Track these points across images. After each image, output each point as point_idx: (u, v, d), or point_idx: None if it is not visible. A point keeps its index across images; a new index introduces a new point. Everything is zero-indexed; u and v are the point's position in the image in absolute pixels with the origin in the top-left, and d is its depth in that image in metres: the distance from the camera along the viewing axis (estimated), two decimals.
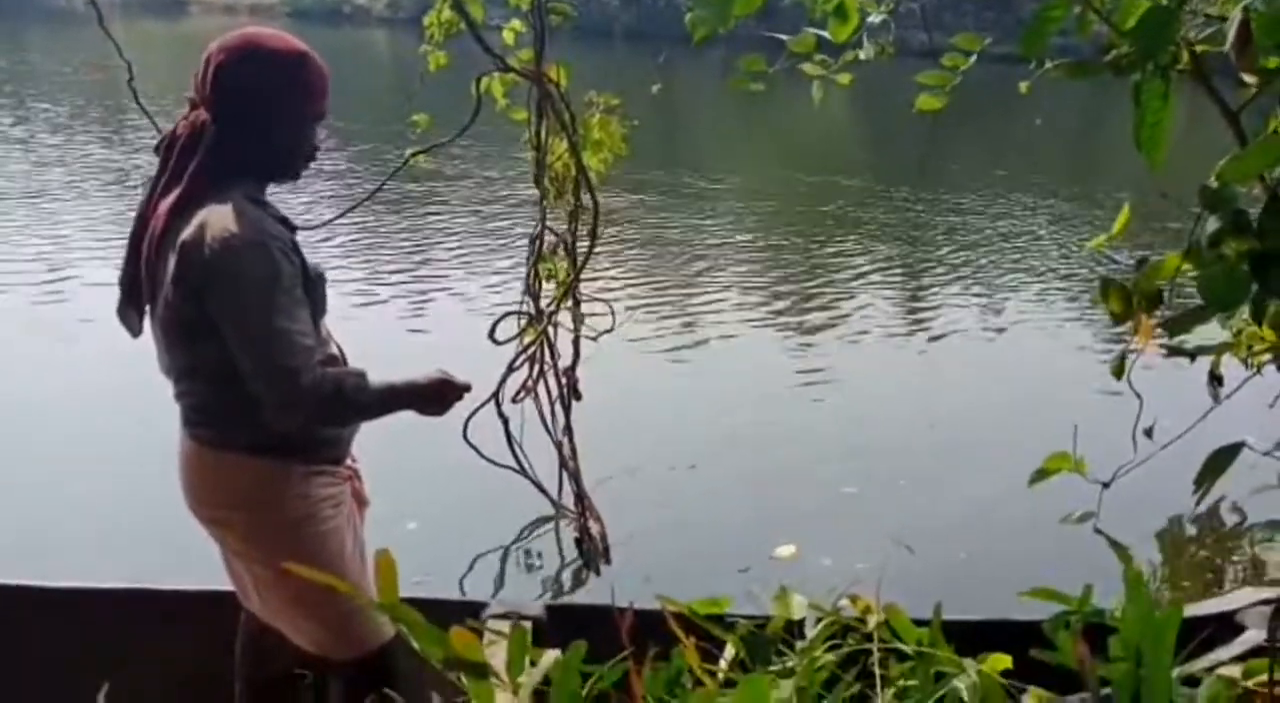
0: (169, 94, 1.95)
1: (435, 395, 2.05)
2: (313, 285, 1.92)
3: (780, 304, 7.63)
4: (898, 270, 8.84)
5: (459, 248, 8.66)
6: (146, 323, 1.98)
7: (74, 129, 13.17)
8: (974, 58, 1.59)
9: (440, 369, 2.07)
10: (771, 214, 11.18)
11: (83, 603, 2.58)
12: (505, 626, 1.27)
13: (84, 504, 3.94)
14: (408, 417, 2.09)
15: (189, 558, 2.33)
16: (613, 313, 3.80)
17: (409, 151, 3.60)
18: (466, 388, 2.08)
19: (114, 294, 1.98)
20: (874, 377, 6.10)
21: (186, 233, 1.82)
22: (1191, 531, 4.31)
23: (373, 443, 2.25)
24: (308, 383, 1.82)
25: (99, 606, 2.57)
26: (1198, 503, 3.77)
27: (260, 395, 1.84)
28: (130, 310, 1.98)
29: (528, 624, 2.30)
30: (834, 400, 5.65)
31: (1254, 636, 2.12)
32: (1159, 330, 1.25)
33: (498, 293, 6.77)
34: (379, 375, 1.98)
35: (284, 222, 1.94)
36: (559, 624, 2.42)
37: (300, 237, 1.96)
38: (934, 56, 1.74)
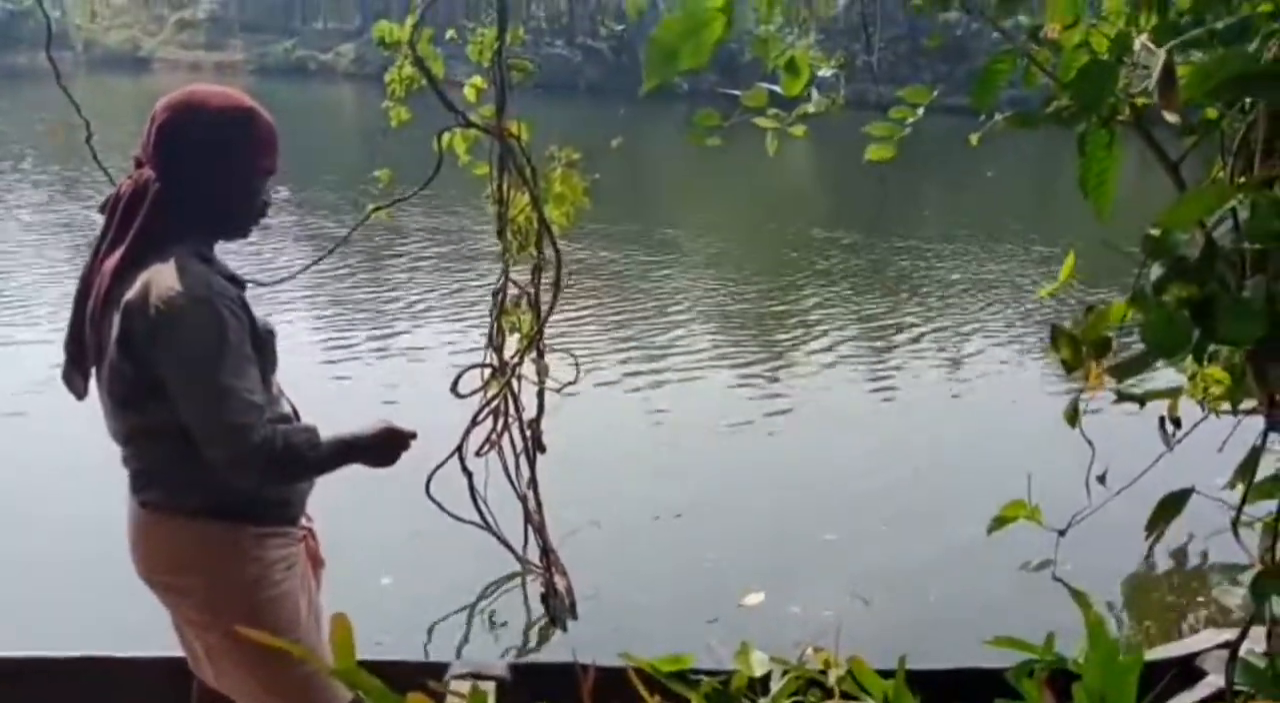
0: (131, 151, 1.94)
1: (383, 446, 2.02)
2: (262, 342, 1.89)
3: (745, 351, 7.67)
4: (860, 316, 8.92)
5: (421, 302, 8.65)
6: (92, 385, 1.95)
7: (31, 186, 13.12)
8: (921, 110, 1.62)
9: (384, 419, 2.03)
10: (735, 263, 11.27)
11: (31, 673, 2.50)
12: (468, 687, 1.25)
13: (27, 569, 3.84)
14: (367, 473, 2.06)
15: (140, 625, 2.26)
16: (577, 365, 3.79)
17: (370, 207, 3.61)
18: (412, 436, 2.04)
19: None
20: (842, 424, 6.12)
21: (131, 292, 1.79)
22: (1156, 573, 4.33)
23: (333, 500, 2.22)
24: (258, 440, 1.79)
25: (48, 675, 2.50)
26: (1150, 548, 3.80)
27: (210, 455, 1.81)
28: (75, 373, 1.94)
29: (489, 686, 2.27)
30: (803, 448, 5.66)
31: (1214, 680, 2.12)
32: (1109, 377, 1.27)
33: (460, 347, 6.76)
34: (328, 430, 1.95)
35: (232, 278, 1.92)
36: (523, 683, 2.38)
37: (263, 292, 1.94)
38: (887, 109, 1.78)
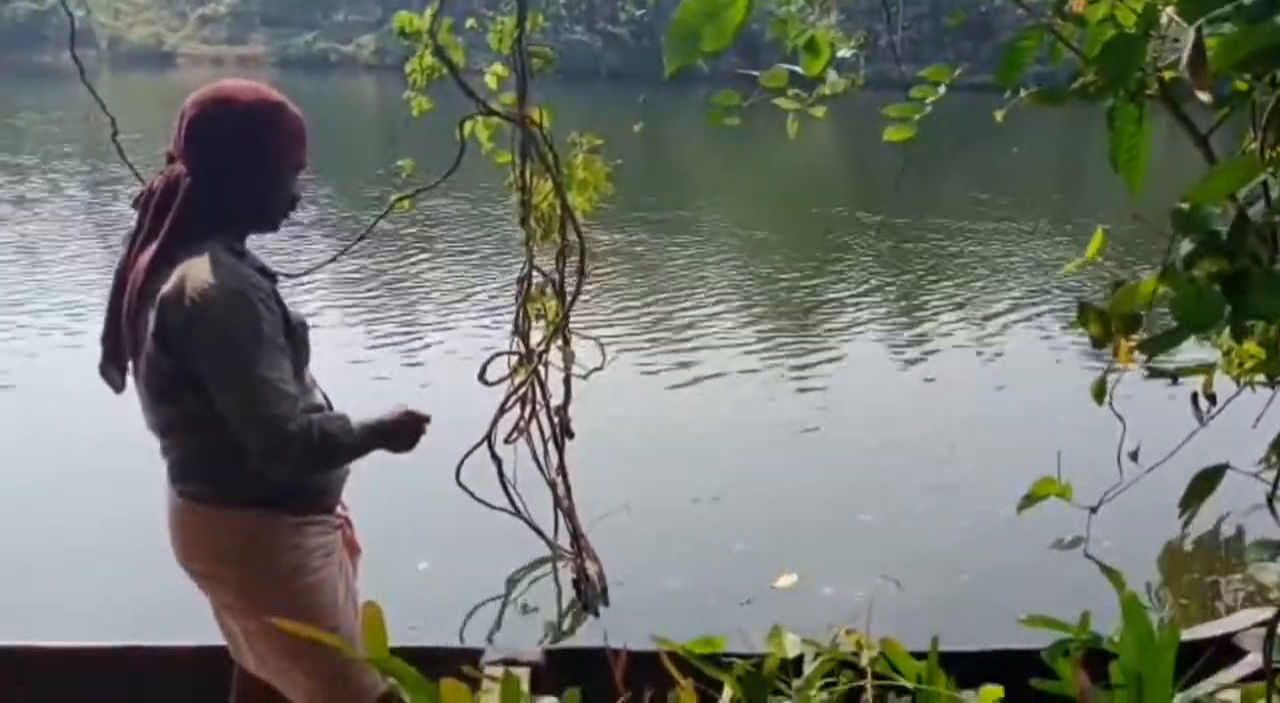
0: (159, 146, 1.96)
1: (403, 431, 2.03)
2: (295, 334, 1.92)
3: (772, 334, 7.65)
4: (888, 296, 8.88)
5: (449, 289, 8.68)
6: (129, 379, 1.98)
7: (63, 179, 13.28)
8: (943, 89, 1.60)
9: (401, 404, 2.05)
10: (761, 245, 11.24)
11: (74, 662, 2.55)
12: (502, 672, 1.26)
13: (71, 559, 3.91)
14: (399, 461, 2.08)
15: (181, 613, 2.30)
16: (603, 350, 3.80)
17: (394, 196, 3.62)
18: (428, 419, 2.06)
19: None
20: (874, 404, 6.09)
21: (166, 286, 1.82)
22: (1191, 551, 4.29)
23: (368, 488, 2.24)
24: (294, 430, 1.81)
25: (91, 664, 2.54)
26: (1184, 526, 3.76)
27: (247, 445, 1.83)
28: (112, 367, 1.97)
29: (523, 671, 2.29)
30: (835, 429, 5.65)
31: (1254, 659, 2.10)
32: (1140, 353, 1.26)
33: (487, 334, 6.78)
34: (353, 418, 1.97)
35: (263, 271, 1.94)
36: (557, 669, 2.40)
37: (289, 284, 1.96)
38: (910, 88, 1.76)
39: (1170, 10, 1.37)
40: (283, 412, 1.81)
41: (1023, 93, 1.53)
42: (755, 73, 1.96)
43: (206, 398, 1.84)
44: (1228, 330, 1.28)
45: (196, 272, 1.81)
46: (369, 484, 2.28)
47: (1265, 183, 1.14)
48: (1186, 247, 1.11)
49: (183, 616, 2.27)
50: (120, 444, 2.65)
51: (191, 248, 1.84)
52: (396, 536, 3.84)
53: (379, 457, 2.03)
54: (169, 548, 2.03)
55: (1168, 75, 1.33)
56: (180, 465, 1.97)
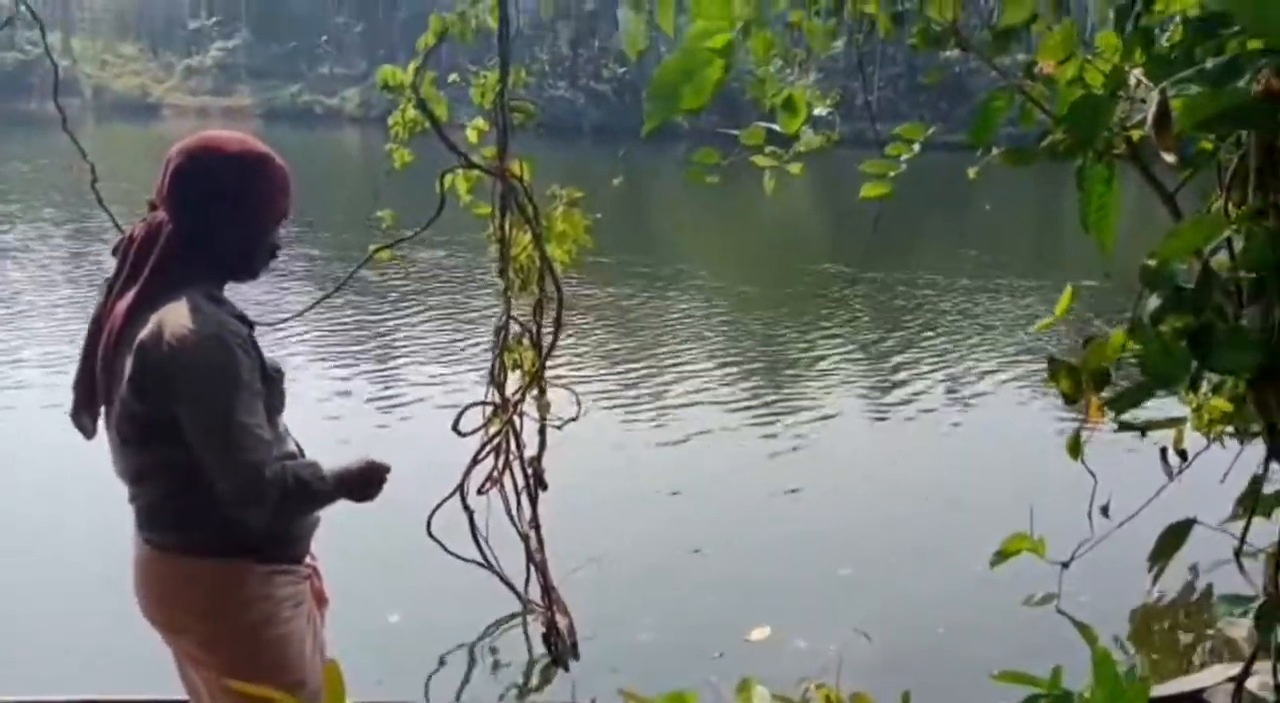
0: (144, 195, 1.97)
1: (367, 481, 2.01)
2: (270, 381, 1.91)
3: (750, 388, 7.66)
4: (864, 351, 8.93)
5: (424, 340, 8.67)
6: (101, 425, 1.95)
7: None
8: (917, 146, 1.64)
9: (364, 455, 2.03)
10: (737, 299, 11.31)
11: None
12: None
13: (33, 610, 3.83)
14: (369, 512, 2.06)
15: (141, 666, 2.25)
16: (578, 401, 3.79)
17: (373, 247, 3.63)
18: (388, 469, 2.04)
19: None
20: (848, 460, 6.10)
21: (144, 332, 1.81)
22: (1162, 605, 4.29)
23: (336, 539, 2.22)
24: (270, 477, 1.80)
25: None
26: (1155, 580, 3.75)
27: (223, 490, 1.82)
28: (84, 413, 1.95)
29: None
30: (810, 483, 5.64)
31: None
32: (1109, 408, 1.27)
33: (460, 385, 6.76)
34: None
35: (241, 318, 1.93)
36: None
37: (267, 331, 1.96)
38: (884, 147, 1.79)
39: (1137, 72, 1.41)
40: (259, 458, 1.79)
41: (994, 151, 1.56)
42: (734, 131, 1.99)
43: (179, 446, 1.82)
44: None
45: (175, 317, 1.80)
46: (339, 535, 2.25)
47: (1230, 240, 1.17)
48: (1154, 302, 1.13)
49: (143, 668, 2.22)
50: (89, 495, 2.61)
51: (170, 294, 1.84)
52: (366, 588, 3.79)
53: (351, 507, 2.01)
54: (133, 598, 1.99)
55: (1135, 135, 1.36)
56: (148, 513, 1.94)
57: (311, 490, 1.89)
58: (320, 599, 2.14)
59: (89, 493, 2.76)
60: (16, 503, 4.81)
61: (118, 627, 2.22)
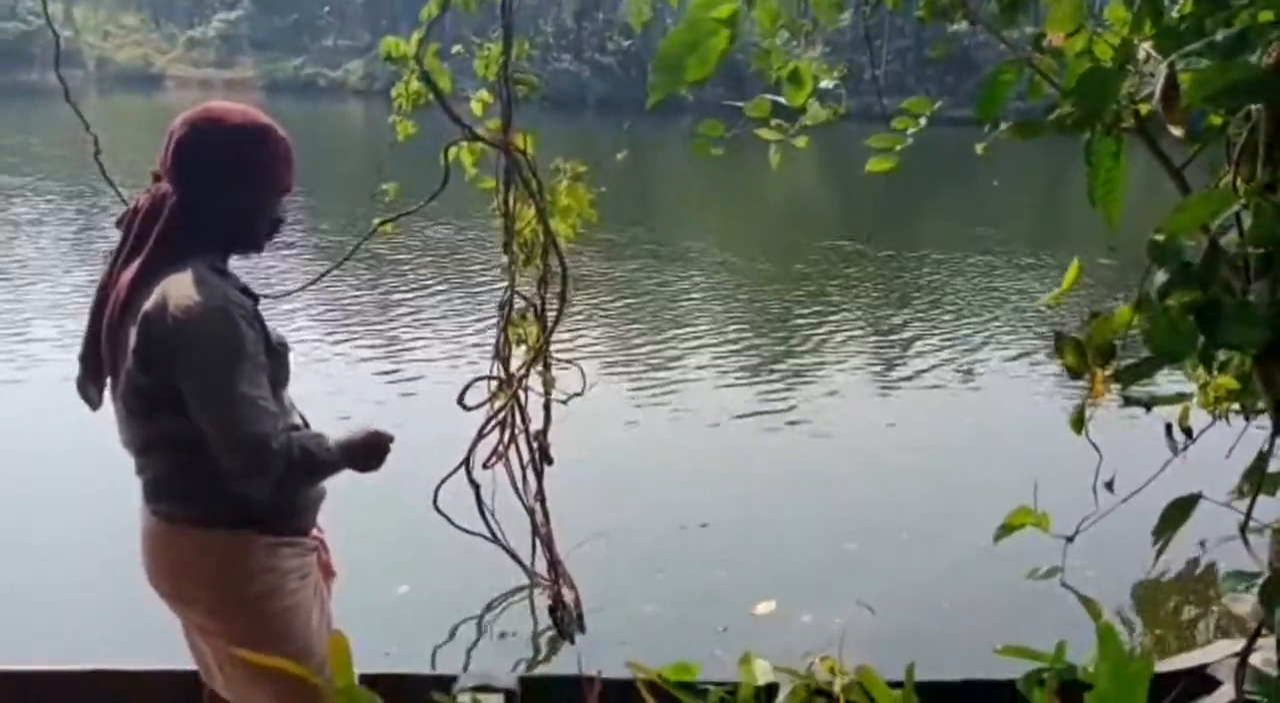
0: (147, 166, 1.97)
1: (371, 451, 2.01)
2: (275, 354, 1.91)
3: (757, 363, 7.66)
4: (872, 325, 8.93)
5: (429, 314, 8.68)
6: (107, 396, 1.96)
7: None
8: (924, 120, 1.62)
9: (367, 424, 2.04)
10: (744, 274, 11.29)
11: (43, 684, 2.51)
12: (476, 699, 1.25)
13: (36, 583, 3.86)
14: (374, 486, 2.07)
15: (150, 636, 2.27)
16: (583, 375, 3.79)
17: (376, 220, 3.62)
18: (391, 439, 2.04)
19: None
20: (856, 434, 6.10)
21: (148, 303, 1.81)
22: (1167, 581, 4.31)
23: (341, 512, 2.23)
24: (276, 448, 1.81)
25: (57, 687, 2.50)
26: (1158, 555, 3.74)
27: (229, 464, 1.82)
28: (90, 385, 1.96)
29: (497, 698, 2.27)
30: (817, 458, 5.65)
31: (1227, 690, 2.10)
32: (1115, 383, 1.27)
33: (468, 359, 6.77)
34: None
35: (245, 291, 1.94)
36: (532, 696, 2.38)
37: (270, 306, 1.96)
38: (890, 121, 1.78)
39: (1146, 45, 1.39)
40: (263, 430, 1.80)
41: (1002, 126, 1.55)
42: (740, 104, 1.98)
43: (184, 417, 1.83)
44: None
45: (179, 288, 1.80)
46: (345, 507, 2.26)
47: (1238, 214, 1.16)
48: (1161, 277, 1.13)
49: (154, 638, 2.24)
50: (97, 468, 2.62)
51: (175, 266, 1.84)
52: (373, 561, 3.81)
53: (357, 481, 2.02)
54: (140, 569, 2.01)
55: (1144, 109, 1.35)
56: (155, 485, 1.95)
57: (317, 461, 1.90)
58: (327, 572, 2.15)
59: (98, 465, 2.77)
60: (27, 476, 4.84)
61: (127, 597, 2.24)
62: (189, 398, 1.82)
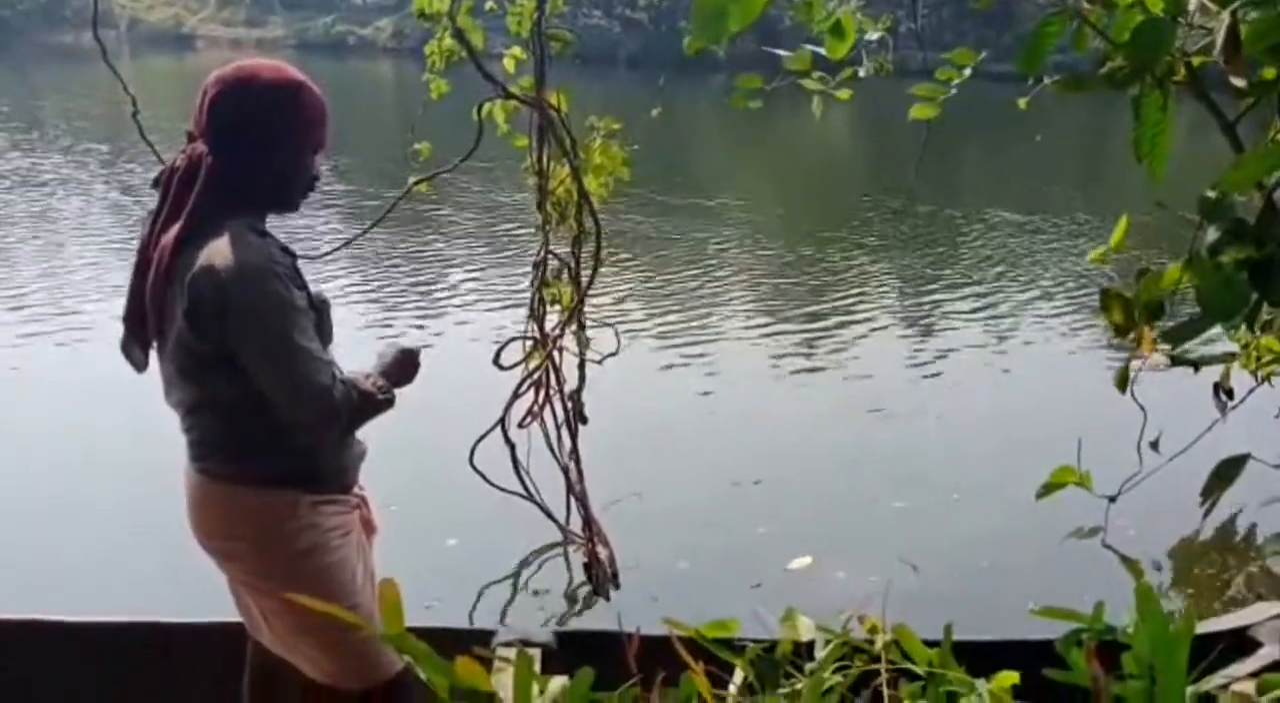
0: (179, 126, 1.98)
1: (405, 368, 2.10)
2: (317, 312, 1.93)
3: (797, 320, 7.61)
4: (907, 284, 8.83)
5: (464, 274, 8.69)
6: (153, 357, 1.98)
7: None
8: (968, 71, 1.59)
9: (391, 345, 2.13)
10: (780, 232, 11.20)
11: (88, 637, 2.57)
12: (514, 653, 1.26)
13: (86, 536, 3.94)
14: (412, 445, 2.09)
15: (195, 590, 2.32)
16: (617, 336, 3.79)
17: (411, 180, 3.62)
18: (419, 352, 2.15)
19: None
20: (892, 393, 6.06)
21: (195, 267, 1.82)
22: (1209, 542, 4.26)
23: (378, 470, 2.25)
24: (340, 396, 1.86)
25: (104, 639, 2.56)
26: (1206, 514, 3.72)
27: (296, 417, 1.87)
28: (135, 346, 1.98)
29: (535, 652, 2.30)
30: (850, 418, 5.63)
31: (1269, 652, 2.09)
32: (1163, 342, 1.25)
33: (503, 319, 6.78)
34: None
35: (285, 250, 1.95)
36: (568, 651, 2.41)
37: (305, 265, 1.97)
38: (933, 75, 1.75)
39: None
40: (325, 380, 1.84)
41: (1046, 81, 1.52)
42: (779, 52, 1.94)
43: (232, 378, 1.86)
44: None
45: (225, 250, 1.81)
46: (382, 465, 2.29)
47: None
48: (1212, 234, 1.10)
49: (202, 592, 2.29)
50: (147, 430, 2.66)
51: (215, 226, 1.85)
52: (412, 517, 3.86)
53: (393, 438, 2.04)
54: (187, 525, 2.04)
55: (1196, 61, 1.32)
56: (200, 444, 1.98)
57: (376, 400, 1.96)
58: (369, 528, 2.18)
59: (140, 427, 2.82)
60: (68, 436, 4.93)
61: (174, 551, 2.28)
62: (247, 359, 1.84)
